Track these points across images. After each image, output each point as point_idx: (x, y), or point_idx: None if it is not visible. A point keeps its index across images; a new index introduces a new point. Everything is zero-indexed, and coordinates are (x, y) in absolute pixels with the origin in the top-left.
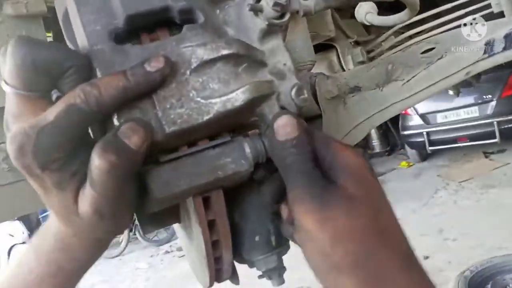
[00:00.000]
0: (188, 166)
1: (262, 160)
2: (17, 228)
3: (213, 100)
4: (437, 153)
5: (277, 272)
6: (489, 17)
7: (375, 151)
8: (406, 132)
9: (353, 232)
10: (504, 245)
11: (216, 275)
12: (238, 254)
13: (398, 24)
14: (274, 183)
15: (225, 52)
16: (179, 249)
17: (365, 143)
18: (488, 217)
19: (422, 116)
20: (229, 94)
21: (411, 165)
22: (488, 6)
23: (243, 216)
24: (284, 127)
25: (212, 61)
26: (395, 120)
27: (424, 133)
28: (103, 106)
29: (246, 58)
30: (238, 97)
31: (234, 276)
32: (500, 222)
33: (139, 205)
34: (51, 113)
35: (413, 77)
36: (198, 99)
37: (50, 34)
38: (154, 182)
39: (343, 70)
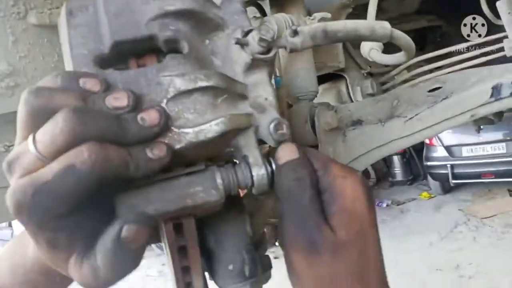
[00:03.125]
0: (158, 192)
1: (233, 191)
2: None
3: (186, 130)
4: (460, 187)
5: None
6: (502, 61)
7: (396, 179)
8: (429, 163)
9: (334, 279)
10: None
11: None
12: (215, 280)
13: (396, 63)
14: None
15: (202, 84)
16: None
17: (387, 170)
18: (508, 257)
19: (447, 148)
20: (203, 125)
21: (433, 197)
22: (501, 49)
23: (218, 243)
24: (284, 151)
25: (189, 92)
26: (419, 149)
27: (448, 165)
28: (100, 177)
29: (225, 91)
30: (212, 128)
31: None
32: None
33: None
34: (49, 172)
35: (416, 115)
36: (172, 128)
37: None
38: (122, 206)
39: (352, 101)
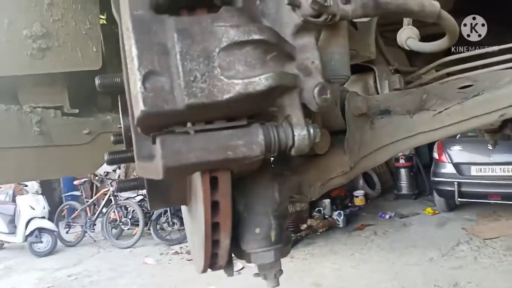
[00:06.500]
0: (201, 141)
1: (274, 150)
2: (40, 202)
3: (236, 81)
4: (466, 206)
5: (273, 272)
6: None
7: (401, 192)
8: (436, 179)
9: None
10: None
11: (212, 260)
12: (237, 245)
13: (436, 50)
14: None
15: (256, 36)
16: (189, 252)
17: (393, 183)
18: (508, 280)
19: (456, 166)
20: (252, 78)
21: (436, 213)
22: None
23: (248, 206)
24: None
25: (242, 44)
26: (427, 165)
27: (455, 183)
28: None
29: (275, 48)
30: (261, 82)
31: (229, 266)
32: None
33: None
34: None
35: (445, 109)
36: (222, 77)
37: (104, 16)
38: (166, 150)
39: (378, 94)
